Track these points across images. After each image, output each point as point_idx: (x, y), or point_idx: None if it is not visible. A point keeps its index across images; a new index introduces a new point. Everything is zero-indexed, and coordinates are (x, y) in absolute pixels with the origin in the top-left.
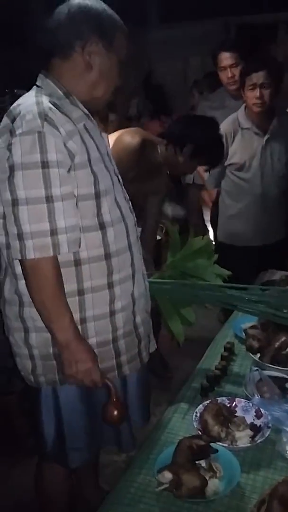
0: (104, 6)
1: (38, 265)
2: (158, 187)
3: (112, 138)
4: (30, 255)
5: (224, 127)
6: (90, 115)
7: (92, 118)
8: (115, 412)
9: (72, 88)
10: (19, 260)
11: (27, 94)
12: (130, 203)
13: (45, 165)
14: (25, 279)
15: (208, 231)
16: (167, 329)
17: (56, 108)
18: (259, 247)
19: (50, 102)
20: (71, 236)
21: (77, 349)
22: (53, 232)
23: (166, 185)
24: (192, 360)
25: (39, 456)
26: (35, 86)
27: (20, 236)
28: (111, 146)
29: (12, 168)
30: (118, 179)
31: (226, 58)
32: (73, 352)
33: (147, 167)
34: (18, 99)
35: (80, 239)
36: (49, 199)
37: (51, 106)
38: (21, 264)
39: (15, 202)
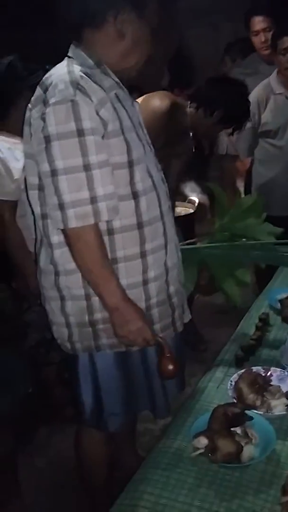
0: None
1: (81, 233)
2: (184, 150)
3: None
4: (72, 224)
5: (256, 93)
6: (121, 83)
7: (124, 87)
8: (170, 366)
9: (103, 58)
10: (62, 229)
11: (58, 64)
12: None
13: (80, 133)
14: (69, 248)
15: None
16: (222, 292)
17: (88, 77)
18: None
19: (81, 71)
20: (110, 203)
21: (127, 310)
22: (93, 200)
23: (191, 148)
24: (227, 331)
25: (78, 422)
26: (66, 57)
27: (61, 206)
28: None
29: (48, 139)
30: (150, 148)
31: (258, 22)
32: (123, 313)
33: (176, 131)
34: (50, 70)
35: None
36: (87, 167)
37: (83, 74)
38: (64, 234)
39: (54, 173)
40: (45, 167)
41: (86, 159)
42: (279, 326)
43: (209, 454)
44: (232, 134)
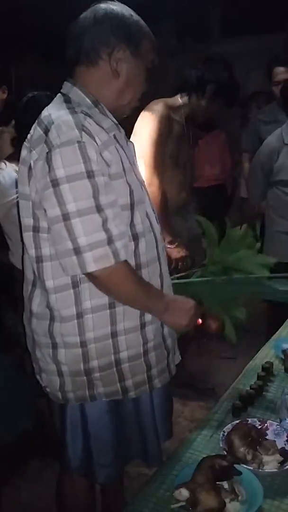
0: (130, 11)
1: (113, 273)
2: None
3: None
4: (91, 267)
5: (269, 142)
6: (118, 124)
7: (121, 128)
8: (215, 325)
9: (99, 96)
10: (86, 274)
11: (54, 102)
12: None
13: (90, 174)
14: (102, 290)
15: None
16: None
17: (89, 117)
18: None
19: (82, 111)
20: (124, 242)
21: (176, 302)
22: (110, 240)
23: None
24: (235, 377)
25: (62, 468)
26: (59, 94)
27: (77, 250)
28: (138, 125)
29: (56, 182)
30: (145, 188)
31: (280, 72)
32: (176, 307)
33: (179, 131)
34: (46, 109)
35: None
36: (99, 208)
37: (85, 115)
38: (89, 277)
39: (66, 217)
40: (55, 212)
41: (98, 200)
42: (282, 377)
43: (190, 508)
44: (227, 107)
